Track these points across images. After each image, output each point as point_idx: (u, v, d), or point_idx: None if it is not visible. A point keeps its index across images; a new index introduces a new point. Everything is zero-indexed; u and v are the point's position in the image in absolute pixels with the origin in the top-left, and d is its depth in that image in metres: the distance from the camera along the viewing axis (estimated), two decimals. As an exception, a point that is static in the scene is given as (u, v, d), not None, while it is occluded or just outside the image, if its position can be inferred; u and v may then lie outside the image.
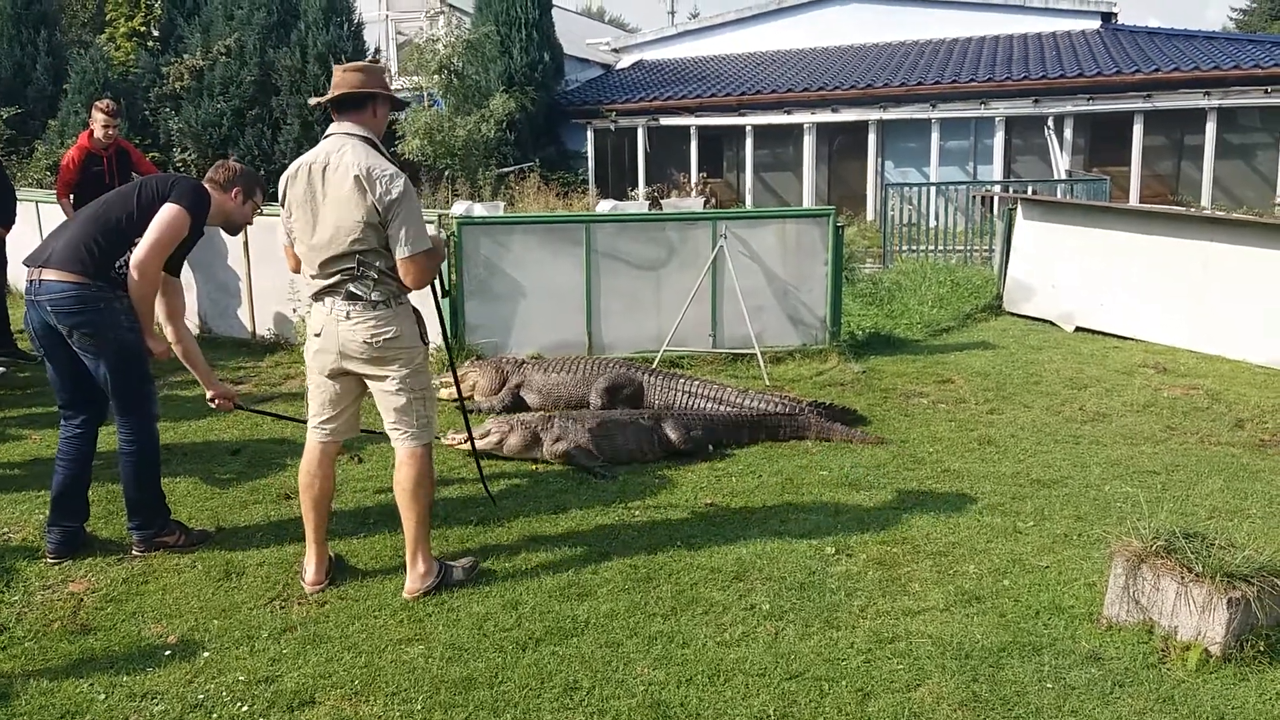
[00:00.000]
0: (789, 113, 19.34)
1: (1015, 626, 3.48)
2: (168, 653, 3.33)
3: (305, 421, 3.90)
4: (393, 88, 3.85)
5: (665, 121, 20.27)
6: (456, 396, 6.22)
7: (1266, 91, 16.43)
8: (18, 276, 6.76)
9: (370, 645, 3.37)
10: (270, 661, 3.27)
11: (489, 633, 3.45)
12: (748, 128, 19.75)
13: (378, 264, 3.55)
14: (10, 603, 3.71)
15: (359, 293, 3.56)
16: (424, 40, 17.79)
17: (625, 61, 25.07)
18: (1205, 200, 16.77)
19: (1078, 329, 8.92)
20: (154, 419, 4.18)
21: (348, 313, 3.58)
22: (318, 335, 3.68)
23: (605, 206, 12.43)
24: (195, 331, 8.42)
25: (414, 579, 3.74)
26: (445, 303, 7.16)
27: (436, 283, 4.00)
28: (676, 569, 3.96)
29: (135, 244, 3.93)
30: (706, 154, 20.58)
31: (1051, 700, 3.03)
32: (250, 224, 4.54)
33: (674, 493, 4.87)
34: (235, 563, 4.03)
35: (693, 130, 20.12)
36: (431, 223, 6.80)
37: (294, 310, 7.82)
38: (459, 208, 9.93)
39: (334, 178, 3.49)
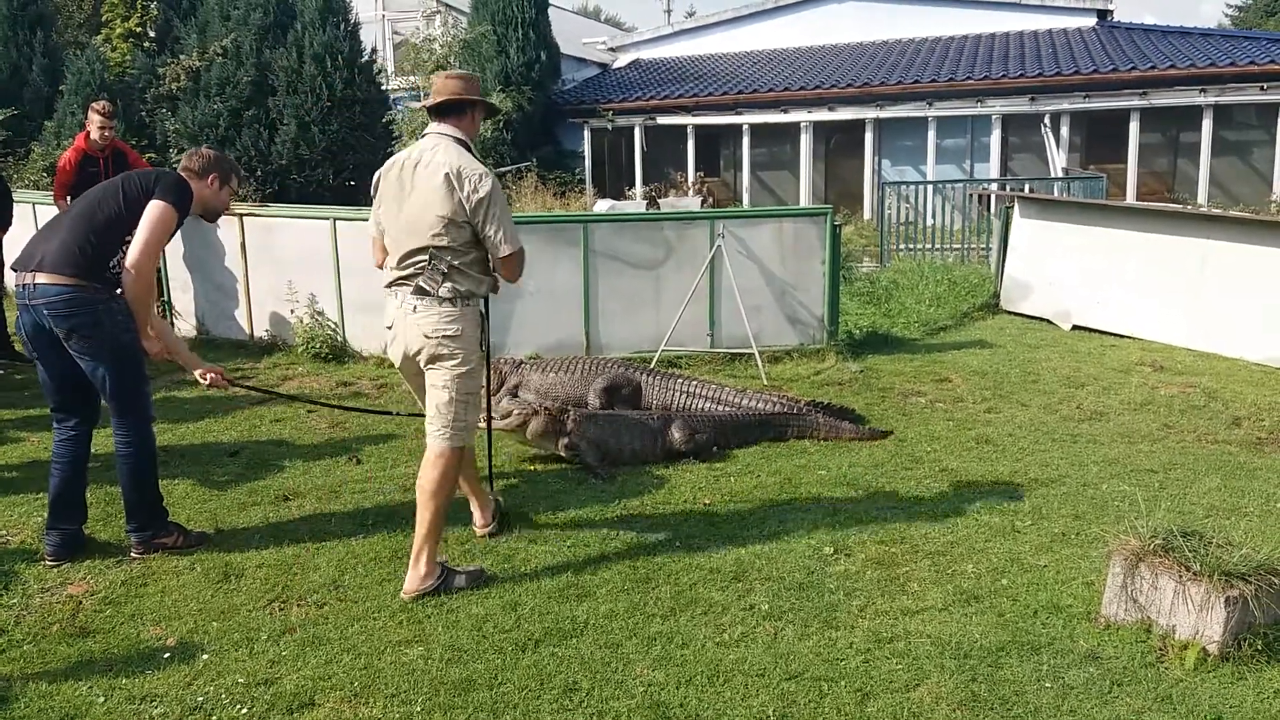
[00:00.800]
0: (786, 111, 19.34)
1: (1014, 626, 3.48)
2: (167, 655, 3.33)
3: (291, 398, 3.90)
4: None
5: (662, 120, 20.26)
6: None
7: (1262, 88, 16.44)
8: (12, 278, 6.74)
9: (369, 647, 3.37)
10: (269, 663, 3.27)
11: (488, 634, 3.45)
12: (744, 126, 19.75)
13: (451, 260, 3.68)
14: (9, 605, 3.70)
15: (427, 288, 3.70)
16: (420, 40, 17.76)
17: (622, 61, 25.06)
18: (1202, 197, 16.79)
19: (1075, 327, 8.93)
20: (151, 420, 4.17)
21: (415, 306, 3.72)
22: (389, 328, 3.86)
23: (603, 206, 12.44)
24: (193, 333, 8.43)
25: (413, 579, 3.75)
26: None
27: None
28: (675, 569, 3.97)
29: (127, 242, 3.91)
30: (703, 153, 20.58)
31: (1050, 699, 3.03)
32: (228, 210, 4.51)
33: (673, 493, 4.87)
34: (234, 565, 4.02)
35: (689, 129, 20.11)
36: None
37: (291, 311, 7.82)
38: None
39: (424, 173, 3.68)
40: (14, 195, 8.13)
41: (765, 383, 6.99)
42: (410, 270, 3.72)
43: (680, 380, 6.30)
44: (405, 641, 3.41)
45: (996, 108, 17.95)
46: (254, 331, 8.22)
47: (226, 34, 16.84)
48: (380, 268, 3.97)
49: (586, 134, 20.72)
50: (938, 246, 13.25)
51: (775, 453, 5.53)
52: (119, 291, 3.97)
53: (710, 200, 17.21)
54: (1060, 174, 15.86)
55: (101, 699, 3.07)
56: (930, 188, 14.61)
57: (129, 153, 7.92)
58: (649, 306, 7.55)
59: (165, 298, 8.49)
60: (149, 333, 4.18)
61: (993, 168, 18.19)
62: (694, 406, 6.08)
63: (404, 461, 5.39)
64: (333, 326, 7.76)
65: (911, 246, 13.53)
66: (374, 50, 18.35)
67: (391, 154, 17.19)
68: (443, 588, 3.75)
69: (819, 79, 19.60)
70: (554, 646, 3.36)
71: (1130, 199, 16.42)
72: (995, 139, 18.24)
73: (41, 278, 3.85)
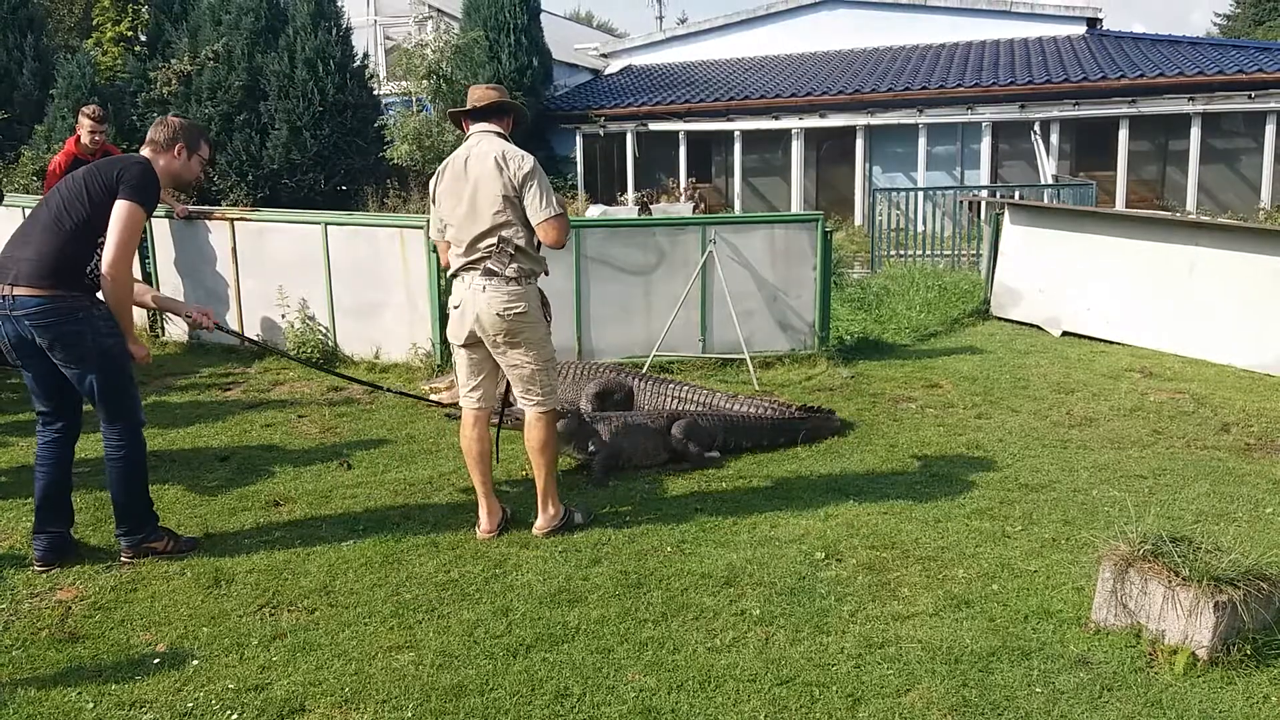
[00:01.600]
0: (777, 118, 19.40)
1: (1004, 631, 3.49)
2: (156, 661, 3.32)
3: (280, 353, 3.91)
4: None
5: (654, 126, 20.31)
6: (446, 403, 6.29)
7: (1250, 97, 16.56)
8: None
9: (360, 652, 3.36)
10: (260, 669, 3.26)
11: (479, 640, 3.45)
12: (736, 133, 19.81)
13: (516, 241, 4.10)
14: (-3, 611, 3.69)
15: (495, 269, 4.10)
16: (412, 45, 17.77)
17: (614, 67, 25.12)
18: (1190, 205, 16.90)
19: (1064, 333, 8.96)
20: (141, 424, 4.15)
21: (484, 286, 4.11)
22: (456, 308, 4.22)
23: (594, 211, 12.46)
24: (184, 337, 8.40)
25: (544, 519, 4.35)
26: (436, 308, 7.17)
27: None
28: (667, 574, 3.97)
29: (101, 244, 3.83)
30: (695, 159, 20.62)
31: (1040, 704, 3.04)
32: (200, 179, 4.44)
33: (664, 498, 4.87)
34: (224, 570, 4.01)
35: (681, 135, 20.16)
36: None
37: (282, 316, 7.80)
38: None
39: (475, 162, 4.14)
40: (5, 199, 8.09)
41: (757, 388, 7.00)
42: (478, 254, 4.12)
43: (672, 385, 6.31)
44: (396, 647, 3.40)
45: (987, 115, 18.05)
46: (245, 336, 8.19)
47: (218, 38, 16.82)
48: (448, 270, 4.36)
49: (579, 140, 20.75)
50: (928, 253, 13.29)
51: (766, 458, 5.54)
52: (99, 295, 3.93)
53: (702, 206, 17.24)
54: (1050, 181, 15.93)
55: (91, 705, 3.05)
56: (921, 194, 14.68)
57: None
58: (641, 312, 7.56)
59: (155, 302, 8.45)
60: (135, 336, 4.15)
61: (983, 174, 18.29)
62: (685, 412, 6.08)
63: (395, 467, 5.38)
64: (324, 331, 7.75)
65: (902, 253, 13.57)
66: (366, 55, 18.35)
67: (383, 159, 17.19)
68: (566, 526, 4.35)
69: (810, 86, 19.68)
70: (545, 652, 3.36)
71: (1119, 206, 16.51)
72: (986, 146, 18.33)
73: (20, 290, 3.79)
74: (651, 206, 15.10)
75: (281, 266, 7.85)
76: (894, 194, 15.07)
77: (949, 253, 13.19)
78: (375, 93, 18.23)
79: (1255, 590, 3.23)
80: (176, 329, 8.49)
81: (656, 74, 23.35)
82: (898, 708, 3.02)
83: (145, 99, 16.98)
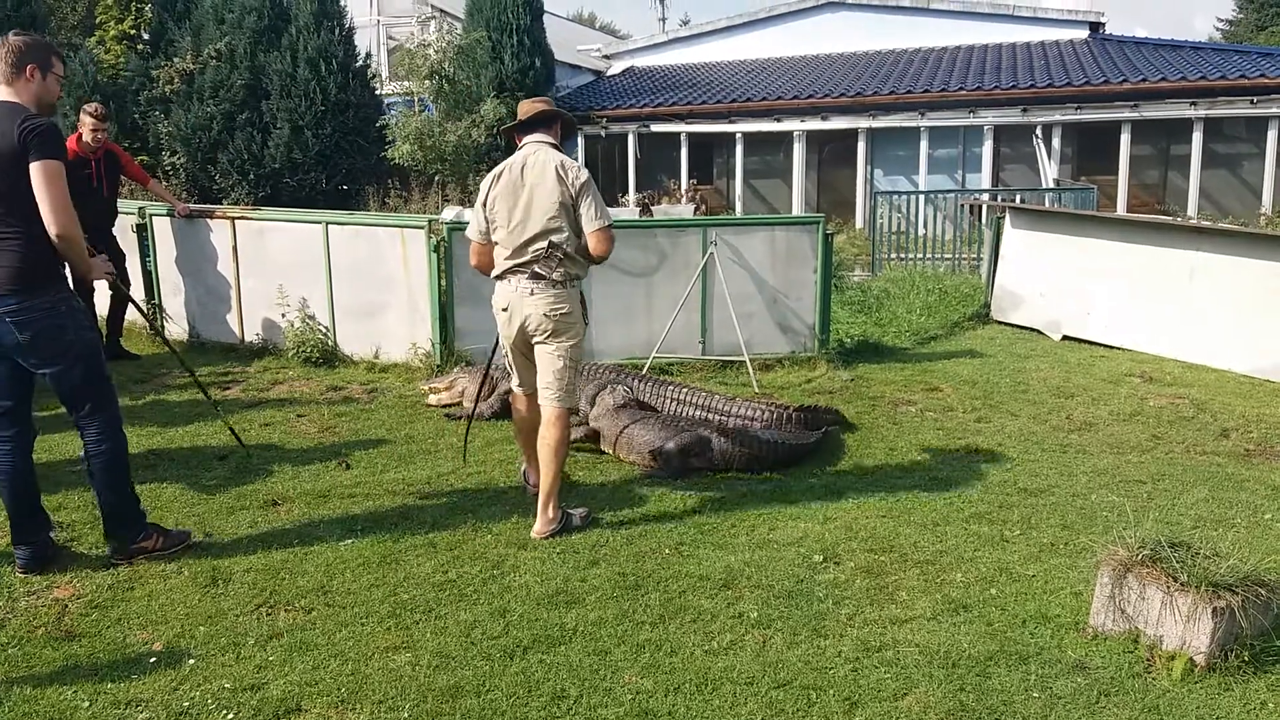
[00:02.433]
0: (779, 120, 19.40)
1: (1002, 635, 3.49)
2: (153, 660, 3.31)
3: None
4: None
5: (656, 128, 20.31)
6: (445, 403, 6.29)
7: (1252, 102, 16.56)
8: None
9: (357, 653, 3.36)
10: (256, 669, 3.26)
11: (476, 641, 3.44)
12: (738, 135, 19.81)
13: (565, 247, 4.31)
14: (-6, 609, 3.68)
15: (543, 273, 4.31)
16: (415, 45, 17.77)
17: (616, 68, 25.12)
18: (1191, 210, 16.89)
19: (1065, 338, 8.96)
20: (120, 420, 4.08)
21: (531, 290, 4.32)
22: (504, 310, 4.42)
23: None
24: (184, 336, 8.40)
25: (543, 523, 4.38)
26: (436, 309, 7.17)
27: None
28: (665, 577, 3.96)
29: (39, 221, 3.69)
30: (697, 161, 20.62)
31: (1038, 709, 3.04)
32: (60, 96, 4.11)
33: (662, 500, 4.87)
34: (221, 569, 4.01)
35: (683, 137, 20.16)
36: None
37: (282, 316, 7.80)
38: (449, 213, 9.95)
39: (534, 170, 4.32)
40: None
41: (756, 390, 7.00)
42: (527, 257, 4.31)
43: (671, 387, 6.30)
44: (393, 647, 3.40)
45: (988, 118, 18.04)
46: (245, 335, 8.19)
47: (221, 37, 16.84)
48: (481, 269, 4.58)
49: (580, 141, 20.75)
50: (929, 256, 13.29)
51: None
52: (67, 279, 3.88)
53: (703, 208, 17.24)
54: (1051, 185, 15.93)
55: (87, 704, 3.05)
56: (922, 197, 14.68)
57: (121, 155, 7.88)
58: (641, 313, 7.55)
59: (156, 300, 8.47)
60: (91, 262, 4.04)
61: (984, 178, 18.28)
62: (684, 414, 6.08)
63: (393, 467, 5.38)
64: (324, 331, 7.75)
65: (903, 256, 13.57)
66: (368, 55, 18.36)
67: (385, 158, 17.20)
68: (564, 529, 4.39)
69: (812, 88, 19.68)
70: (542, 654, 3.36)
71: (1121, 210, 16.51)
72: (987, 149, 18.33)
73: None
74: (653, 208, 15.09)
75: (282, 266, 7.85)
76: (895, 197, 15.06)
77: (950, 256, 13.19)
78: (377, 92, 18.24)
79: (1253, 596, 3.22)
80: (177, 328, 8.49)
81: (659, 75, 23.35)
82: (895, 711, 3.02)
83: (147, 97, 17.00)
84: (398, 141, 16.29)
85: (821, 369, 7.53)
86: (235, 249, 8.05)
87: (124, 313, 7.95)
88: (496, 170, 4.46)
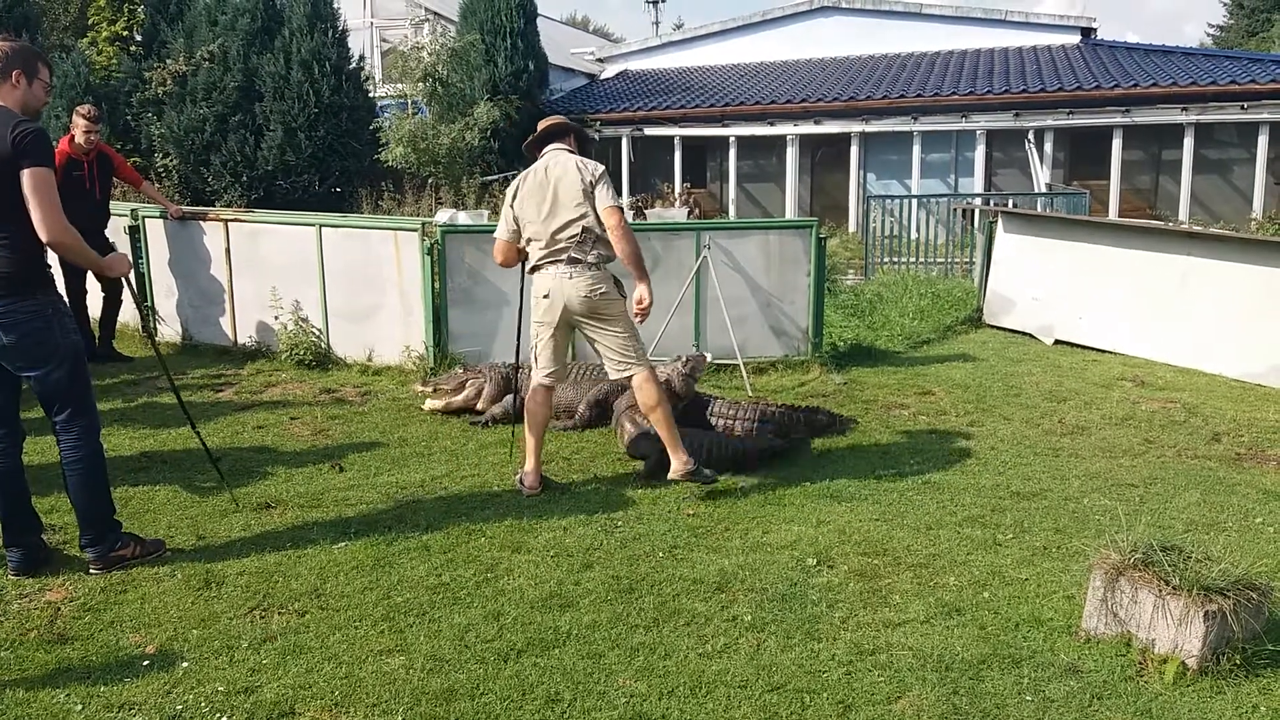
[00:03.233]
0: (772, 124, 19.44)
1: (995, 639, 3.50)
2: (146, 663, 3.30)
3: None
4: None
5: (649, 131, 20.33)
6: (453, 408, 6.16)
7: (1243, 108, 16.65)
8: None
9: (351, 656, 3.35)
10: (250, 672, 3.25)
11: (470, 644, 3.44)
12: (731, 138, 19.84)
13: (595, 230, 4.78)
14: (-14, 612, 3.67)
15: (579, 257, 4.76)
16: (408, 48, 17.77)
17: (610, 71, 25.14)
18: (1183, 214, 16.97)
19: (1057, 342, 8.99)
20: (99, 427, 4.03)
21: (570, 274, 4.76)
22: (546, 296, 4.80)
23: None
24: (177, 339, 8.39)
25: (678, 464, 4.81)
26: (429, 311, 7.16)
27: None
28: (659, 580, 3.97)
29: (29, 225, 3.67)
30: (690, 164, 20.65)
31: (1031, 713, 3.05)
32: (47, 103, 4.11)
33: (656, 503, 4.87)
34: (215, 572, 4.00)
35: (676, 140, 20.19)
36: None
37: (275, 318, 7.79)
38: (443, 216, 9.94)
39: (556, 170, 4.83)
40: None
41: (750, 394, 7.01)
42: (560, 245, 4.77)
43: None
44: (387, 651, 3.39)
45: (981, 123, 18.10)
46: (238, 338, 8.18)
47: (213, 39, 16.82)
48: (505, 265, 5.10)
49: (574, 144, 20.73)
50: (922, 260, 13.32)
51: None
52: (55, 282, 3.86)
53: (697, 211, 17.26)
54: (1044, 189, 16.00)
55: (79, 707, 3.04)
56: (915, 202, 14.70)
57: (114, 157, 7.87)
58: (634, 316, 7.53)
59: (149, 303, 8.45)
60: (104, 262, 4.04)
61: (977, 182, 18.34)
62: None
63: (387, 470, 5.37)
64: (317, 333, 7.74)
65: (896, 260, 13.60)
66: (362, 57, 18.36)
67: (378, 161, 17.19)
68: (696, 476, 4.82)
69: (805, 92, 19.72)
70: (536, 657, 3.36)
71: (1113, 215, 16.57)
72: (980, 154, 18.39)
73: None
74: (646, 211, 15.10)
75: (275, 268, 7.84)
76: (888, 201, 15.10)
77: (942, 260, 13.23)
78: (371, 95, 18.24)
79: (1245, 600, 3.24)
80: (170, 330, 8.47)
81: (652, 79, 23.37)
82: (888, 715, 3.03)
83: (140, 99, 16.98)
84: (391, 144, 16.29)
85: (815, 372, 7.54)
86: (228, 251, 8.04)
87: (117, 314, 7.93)
88: (522, 175, 4.96)
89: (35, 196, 3.65)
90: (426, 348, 7.33)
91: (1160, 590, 3.29)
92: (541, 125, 5.09)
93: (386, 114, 17.26)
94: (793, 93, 19.82)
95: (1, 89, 3.78)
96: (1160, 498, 4.99)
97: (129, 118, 17.08)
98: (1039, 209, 13.03)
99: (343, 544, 4.31)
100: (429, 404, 6.52)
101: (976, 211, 11.41)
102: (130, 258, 4.33)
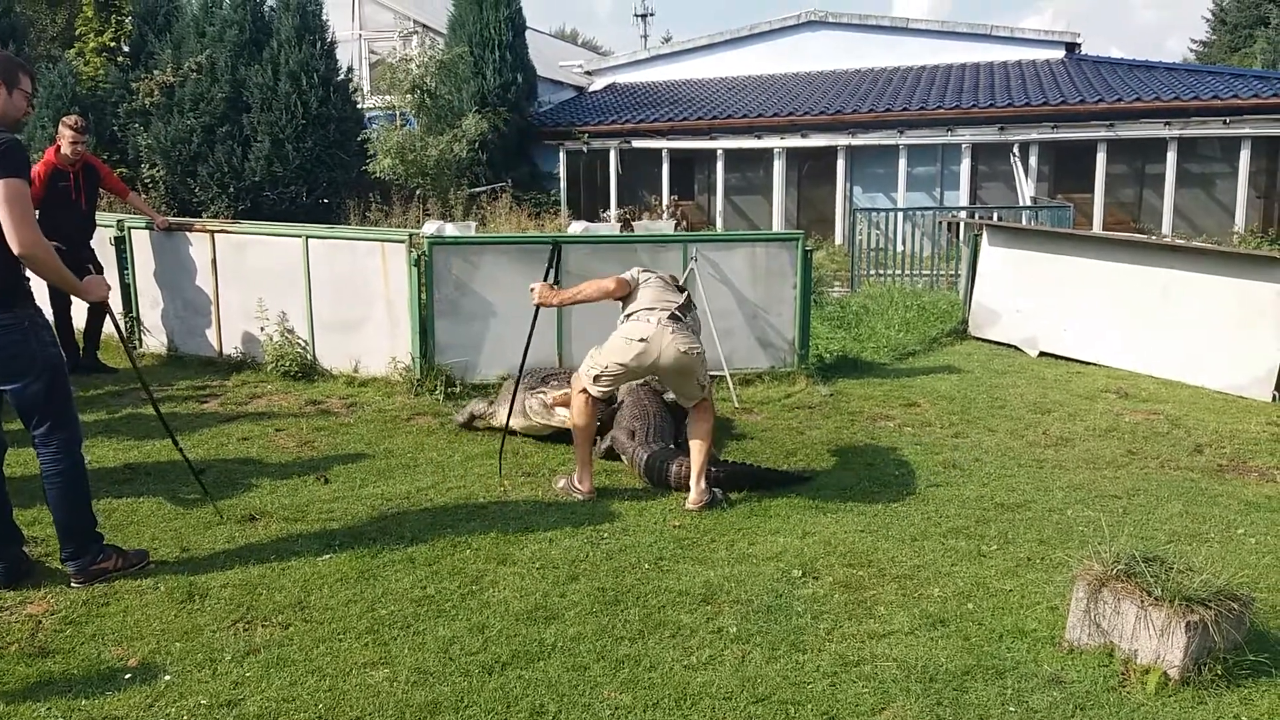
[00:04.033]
0: (759, 137, 19.53)
1: (979, 650, 3.51)
2: (128, 676, 3.28)
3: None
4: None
5: (637, 144, 20.39)
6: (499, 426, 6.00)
7: (1226, 122, 16.81)
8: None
9: (335, 669, 3.34)
10: (233, 685, 3.23)
11: (455, 656, 3.43)
12: (719, 151, 19.91)
13: (693, 303, 5.30)
14: (-34, 625, 3.64)
15: (681, 316, 5.07)
16: (397, 60, 17.79)
17: (598, 84, 25.22)
18: (1166, 228, 17.10)
19: (1041, 354, 9.04)
20: (80, 440, 4.01)
21: (672, 329, 4.94)
22: (643, 340, 4.92)
23: (577, 228, 12.47)
24: (163, 350, 8.35)
25: (697, 494, 4.97)
26: (416, 323, 7.14)
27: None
28: (644, 592, 3.97)
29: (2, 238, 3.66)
30: (678, 176, 20.71)
31: (1014, 723, 3.06)
32: (29, 114, 4.08)
33: (642, 515, 4.87)
34: (198, 585, 3.98)
35: (664, 153, 20.25)
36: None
37: (261, 329, 7.77)
38: (430, 227, 9.94)
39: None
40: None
41: (736, 405, 7.02)
42: (668, 303, 5.08)
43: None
44: (371, 663, 3.38)
45: (966, 137, 18.22)
46: (223, 349, 8.15)
47: (201, 50, 16.80)
48: (616, 298, 5.27)
49: (562, 156, 20.81)
50: (908, 272, 13.38)
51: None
52: (32, 295, 3.84)
53: (684, 224, 17.31)
54: (1028, 203, 16.09)
55: (60, 720, 3.02)
56: (901, 214, 14.77)
57: (100, 167, 7.85)
58: (621, 328, 7.55)
59: (134, 314, 8.42)
60: (80, 285, 4.00)
61: (962, 196, 18.46)
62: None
63: (372, 481, 5.36)
64: (303, 345, 7.72)
65: (882, 272, 13.65)
66: (350, 69, 18.35)
67: (366, 172, 17.13)
68: (712, 503, 4.97)
69: (792, 106, 19.82)
70: (521, 669, 3.35)
71: (1097, 228, 16.67)
72: (965, 167, 18.51)
73: None
74: (634, 224, 15.13)
75: (262, 279, 7.82)
76: (874, 214, 15.15)
77: (928, 273, 13.29)
78: (359, 106, 18.23)
79: (1226, 610, 3.26)
80: (155, 341, 8.43)
81: (640, 92, 23.46)
82: (872, 726, 3.03)
83: (127, 110, 16.93)
84: (379, 155, 16.28)
85: (801, 384, 7.56)
86: (214, 262, 8.01)
87: (101, 325, 7.89)
88: None
89: (6, 208, 3.62)
90: (413, 359, 7.32)
91: (1143, 601, 3.31)
92: None
93: (374, 125, 17.25)
94: (780, 106, 19.91)
95: None
96: (1143, 509, 5.02)
97: (116, 128, 17.03)
98: (1024, 222, 13.11)
99: (327, 556, 4.30)
100: (559, 415, 5.94)
101: (962, 224, 11.47)
102: (108, 285, 4.29)
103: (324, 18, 17.55)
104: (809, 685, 3.26)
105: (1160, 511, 4.97)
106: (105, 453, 5.79)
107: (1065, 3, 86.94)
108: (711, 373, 7.43)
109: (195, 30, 17.16)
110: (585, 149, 20.61)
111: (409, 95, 17.18)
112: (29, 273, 3.83)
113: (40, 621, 3.67)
